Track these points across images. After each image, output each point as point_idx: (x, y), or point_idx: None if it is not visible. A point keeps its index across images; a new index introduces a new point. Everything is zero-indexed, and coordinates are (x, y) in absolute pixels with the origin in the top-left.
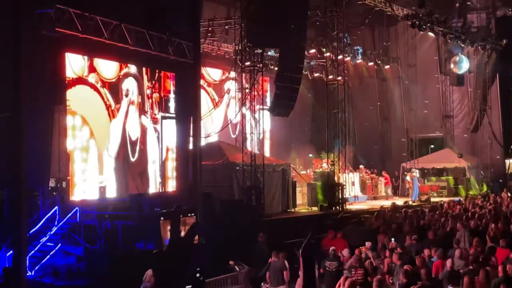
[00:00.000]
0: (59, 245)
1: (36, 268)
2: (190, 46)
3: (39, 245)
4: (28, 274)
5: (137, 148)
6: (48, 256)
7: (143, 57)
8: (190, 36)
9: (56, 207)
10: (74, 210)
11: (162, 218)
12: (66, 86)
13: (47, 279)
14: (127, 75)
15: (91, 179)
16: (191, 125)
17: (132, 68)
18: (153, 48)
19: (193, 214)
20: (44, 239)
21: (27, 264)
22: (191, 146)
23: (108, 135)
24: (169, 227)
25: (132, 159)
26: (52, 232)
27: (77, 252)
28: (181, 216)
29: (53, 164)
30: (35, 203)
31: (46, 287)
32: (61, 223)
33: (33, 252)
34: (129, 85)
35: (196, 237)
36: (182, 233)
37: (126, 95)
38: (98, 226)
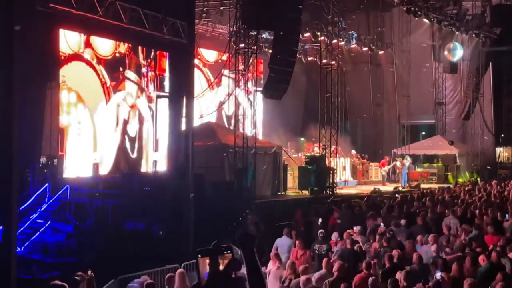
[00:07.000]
0: (49, 222)
1: (26, 244)
2: (184, 26)
3: (29, 222)
4: (17, 250)
5: (136, 145)
6: (38, 233)
7: (137, 35)
8: (185, 16)
9: (47, 184)
10: (65, 187)
11: (199, 256)
12: (61, 62)
13: (37, 256)
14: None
15: (85, 155)
16: (184, 105)
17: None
18: (148, 27)
19: (229, 252)
20: (34, 216)
21: (17, 241)
22: (183, 127)
23: (102, 113)
24: (207, 261)
25: (132, 156)
26: (42, 209)
27: (67, 229)
28: (218, 254)
29: (44, 141)
30: (26, 180)
31: (35, 264)
32: (51, 201)
33: (22, 228)
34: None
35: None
36: (221, 267)
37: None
38: (88, 204)
